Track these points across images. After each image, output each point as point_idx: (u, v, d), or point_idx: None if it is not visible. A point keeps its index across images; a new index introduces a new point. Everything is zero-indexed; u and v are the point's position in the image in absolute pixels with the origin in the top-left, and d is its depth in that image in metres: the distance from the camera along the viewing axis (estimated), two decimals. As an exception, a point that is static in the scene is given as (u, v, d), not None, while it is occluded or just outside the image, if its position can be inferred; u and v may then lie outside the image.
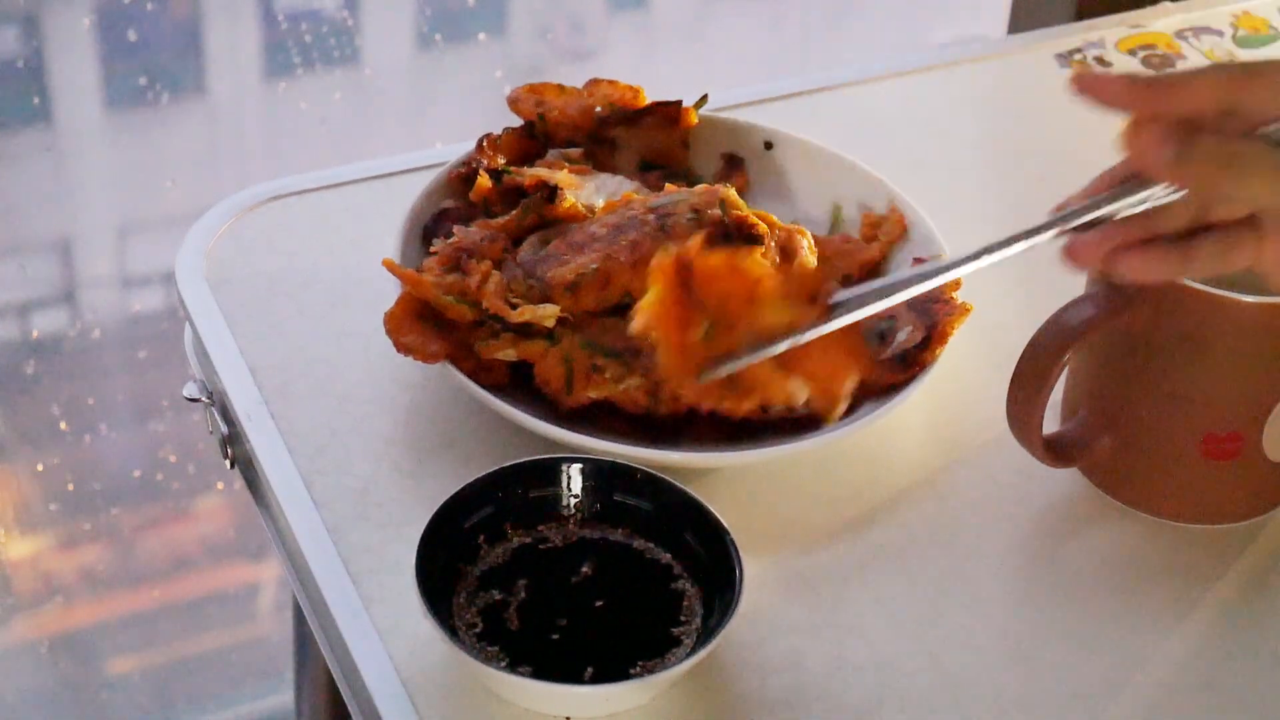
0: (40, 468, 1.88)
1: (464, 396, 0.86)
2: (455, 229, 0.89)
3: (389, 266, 0.86)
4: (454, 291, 0.85)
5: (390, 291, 0.85)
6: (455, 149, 0.95)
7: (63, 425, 1.90)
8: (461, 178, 0.94)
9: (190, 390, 0.92)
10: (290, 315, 0.92)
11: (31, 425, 1.91)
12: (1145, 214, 0.72)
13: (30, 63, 2.07)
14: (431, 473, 0.84)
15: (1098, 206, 0.72)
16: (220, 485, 1.89)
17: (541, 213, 0.89)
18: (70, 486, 1.87)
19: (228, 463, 0.91)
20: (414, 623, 0.76)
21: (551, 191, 0.89)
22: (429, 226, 0.91)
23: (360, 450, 0.85)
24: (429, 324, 0.84)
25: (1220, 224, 0.72)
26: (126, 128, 2.13)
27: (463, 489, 0.77)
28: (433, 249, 0.88)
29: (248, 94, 2.18)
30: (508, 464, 0.79)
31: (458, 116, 2.17)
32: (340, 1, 2.18)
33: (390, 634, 0.76)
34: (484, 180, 0.92)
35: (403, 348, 0.83)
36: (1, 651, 1.81)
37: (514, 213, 0.90)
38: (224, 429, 0.90)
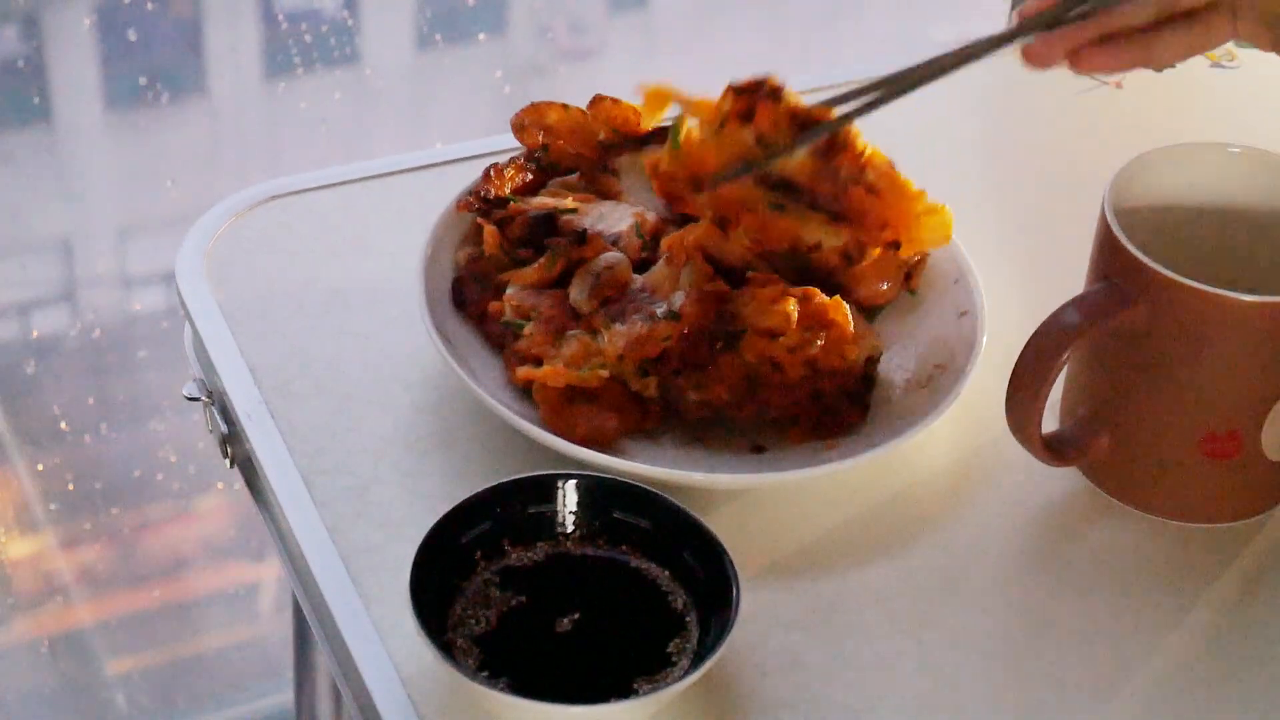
0: (40, 468, 1.88)
1: (464, 397, 0.86)
2: (507, 295, 0.87)
3: (528, 376, 0.84)
4: (578, 362, 0.84)
5: (390, 293, 0.85)
6: (455, 148, 0.95)
7: (63, 425, 1.90)
8: (470, 207, 0.92)
9: (190, 390, 0.92)
10: (290, 315, 0.92)
11: (31, 425, 1.91)
12: (1106, 12, 0.72)
13: (30, 63, 2.06)
14: (431, 473, 0.84)
15: (1057, 13, 0.73)
16: (220, 485, 1.89)
17: (569, 256, 0.88)
18: (70, 486, 1.87)
19: (228, 462, 0.91)
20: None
21: (581, 235, 0.88)
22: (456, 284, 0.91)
23: (360, 450, 0.85)
24: (581, 405, 0.83)
25: (1186, 12, 0.73)
26: (126, 128, 2.13)
27: (459, 505, 0.76)
28: (503, 322, 0.86)
29: (248, 94, 2.18)
30: (505, 480, 0.78)
31: (458, 116, 2.17)
32: (340, 1, 2.18)
33: (390, 634, 0.76)
34: (491, 235, 0.90)
35: (582, 440, 0.82)
36: (1, 651, 1.82)
37: (541, 262, 0.88)
38: (224, 429, 0.90)
